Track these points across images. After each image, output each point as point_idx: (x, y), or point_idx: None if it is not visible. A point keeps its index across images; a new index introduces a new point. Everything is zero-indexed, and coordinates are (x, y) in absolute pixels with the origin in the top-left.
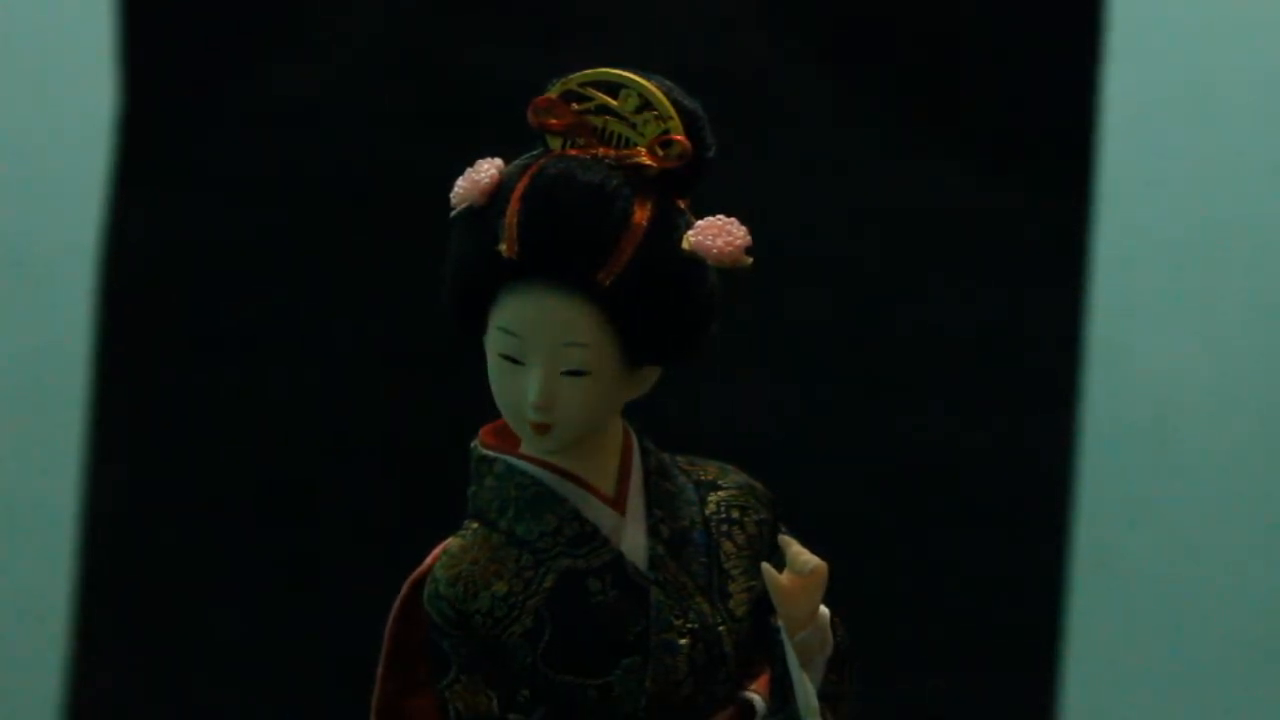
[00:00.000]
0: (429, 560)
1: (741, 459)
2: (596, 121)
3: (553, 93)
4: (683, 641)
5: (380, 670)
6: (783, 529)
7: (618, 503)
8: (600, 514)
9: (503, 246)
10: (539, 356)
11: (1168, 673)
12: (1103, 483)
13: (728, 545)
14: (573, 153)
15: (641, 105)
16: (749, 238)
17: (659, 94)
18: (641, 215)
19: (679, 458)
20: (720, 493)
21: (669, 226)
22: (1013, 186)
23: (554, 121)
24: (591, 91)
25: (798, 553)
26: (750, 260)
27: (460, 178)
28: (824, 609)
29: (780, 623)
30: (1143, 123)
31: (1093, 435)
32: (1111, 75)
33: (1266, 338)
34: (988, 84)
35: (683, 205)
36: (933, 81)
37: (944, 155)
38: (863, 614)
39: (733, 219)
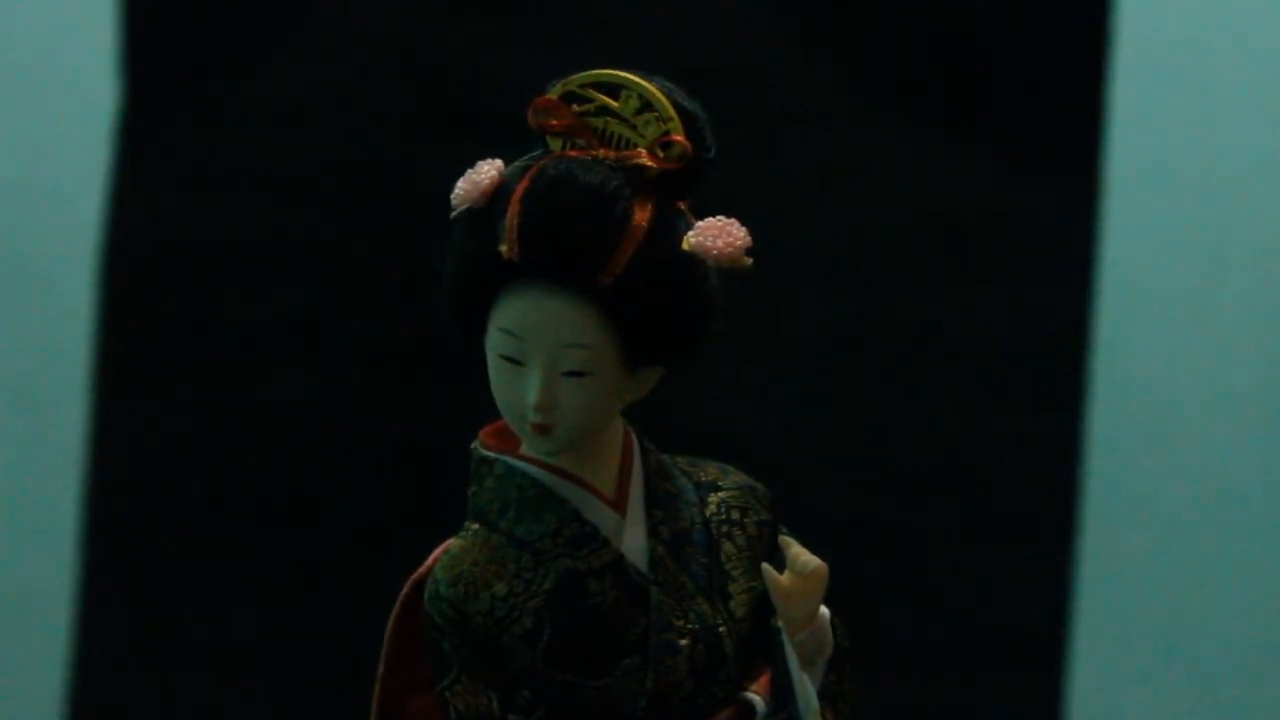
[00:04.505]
0: (430, 561)
1: (745, 459)
2: (597, 123)
3: (553, 94)
4: (683, 642)
5: (381, 670)
6: (783, 530)
7: (618, 504)
8: (601, 515)
9: (503, 247)
10: (539, 358)
11: (1173, 671)
12: (1108, 482)
13: (728, 546)
14: (573, 154)
15: (642, 106)
16: (749, 238)
17: (659, 95)
18: (641, 216)
19: (679, 458)
20: (720, 493)
21: (669, 227)
22: (1020, 187)
23: (554, 123)
24: (592, 93)
25: (798, 553)
26: (750, 261)
27: (461, 179)
28: (824, 610)
29: (780, 623)
30: (1149, 124)
31: (1098, 435)
32: (1118, 77)
33: (1272, 338)
34: (995, 85)
35: (683, 206)
36: (939, 83)
37: (949, 156)
38: (867, 614)
39: (733, 219)
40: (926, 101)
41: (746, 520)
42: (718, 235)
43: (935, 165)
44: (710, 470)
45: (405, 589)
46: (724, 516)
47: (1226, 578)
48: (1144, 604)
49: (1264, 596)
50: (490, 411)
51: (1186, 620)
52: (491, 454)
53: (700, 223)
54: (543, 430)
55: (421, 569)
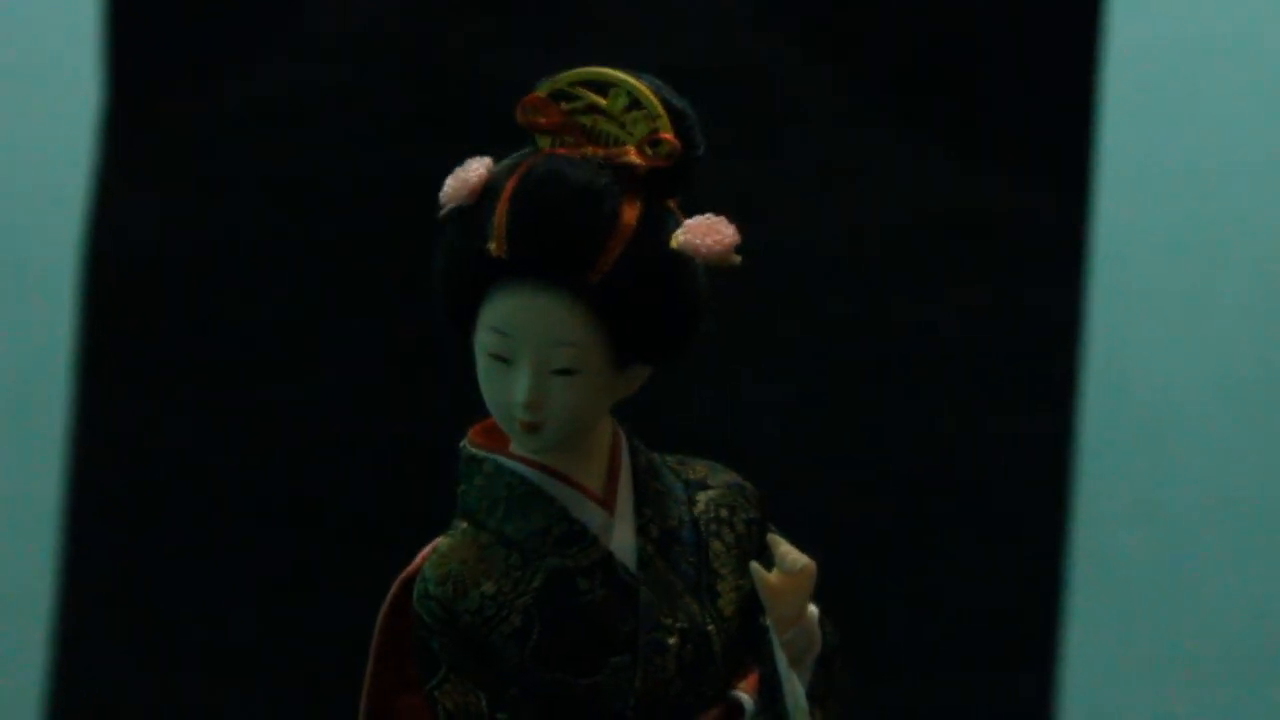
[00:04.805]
0: (418, 560)
1: (737, 458)
2: (585, 121)
3: (541, 92)
4: (671, 640)
5: (370, 669)
6: (771, 528)
7: (607, 502)
8: (589, 513)
9: (492, 245)
10: (528, 356)
11: (1167, 672)
12: (1102, 483)
13: (716, 544)
14: (562, 152)
15: (630, 104)
16: (738, 236)
17: (648, 93)
18: (630, 214)
19: (668, 457)
20: (709, 492)
21: (658, 225)
22: (1015, 187)
23: (543, 121)
24: (580, 91)
25: (786, 551)
26: (739, 259)
27: (449, 177)
28: (812, 608)
29: (769, 622)
30: (1142, 121)
31: (1092, 436)
32: (1110, 74)
33: (1264, 336)
34: (991, 86)
35: (672, 204)
36: (936, 83)
37: (945, 157)
38: (859, 613)
39: (721, 218)
40: (923, 102)
41: (735, 519)
42: (706, 233)
43: (931, 165)
44: (699, 469)
45: (394, 588)
46: (712, 515)
47: (1221, 578)
48: (1137, 604)
49: (1259, 597)
50: (480, 410)
51: (1180, 620)
52: (480, 452)
53: (689, 221)
54: (532, 428)
55: (410, 568)
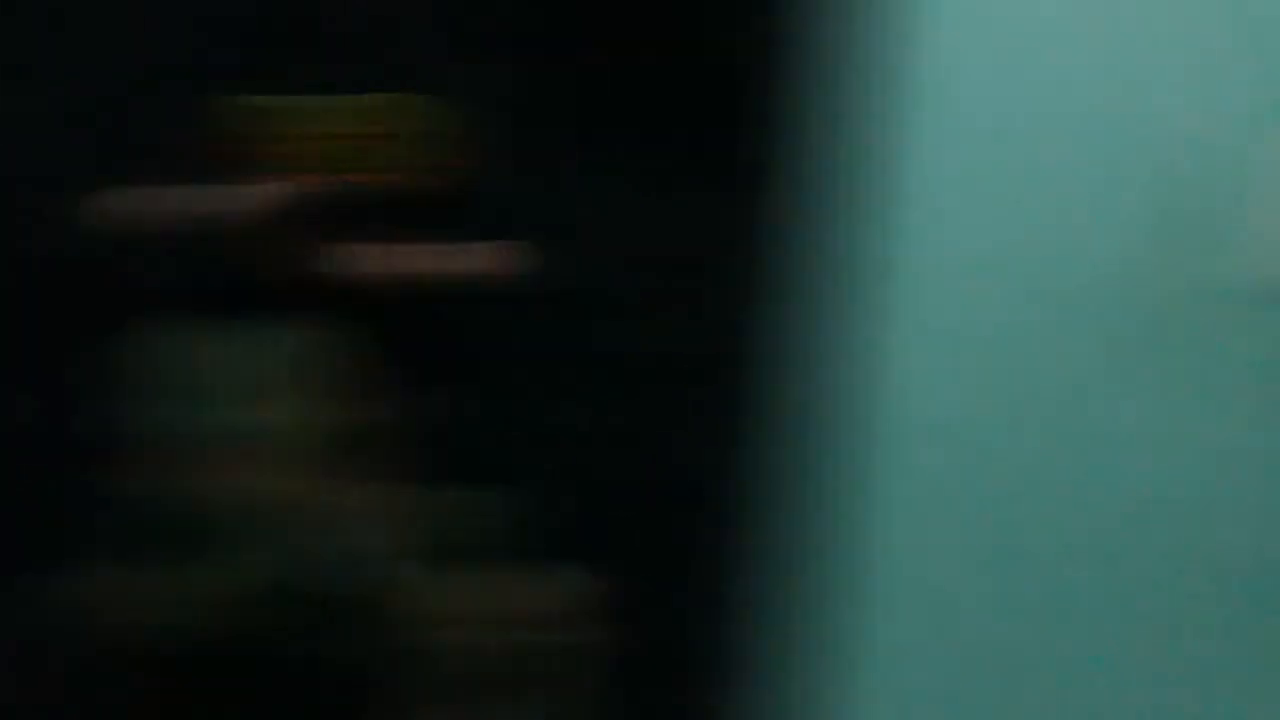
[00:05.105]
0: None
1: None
2: (321, 147)
3: (271, 122)
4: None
5: None
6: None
7: None
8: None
9: (227, 275)
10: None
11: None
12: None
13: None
14: (296, 180)
15: (367, 131)
16: (500, 259)
17: (385, 119)
18: (357, 240)
19: None
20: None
21: (397, 249)
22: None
23: (280, 149)
24: (317, 118)
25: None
26: (502, 282)
27: (172, 206)
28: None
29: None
30: (934, 141)
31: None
32: (908, 95)
33: (1026, 358)
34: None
35: (412, 228)
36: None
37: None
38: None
39: (485, 243)
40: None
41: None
42: (461, 258)
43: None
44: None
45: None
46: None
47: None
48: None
49: (1007, 622)
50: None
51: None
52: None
53: (450, 245)
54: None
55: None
